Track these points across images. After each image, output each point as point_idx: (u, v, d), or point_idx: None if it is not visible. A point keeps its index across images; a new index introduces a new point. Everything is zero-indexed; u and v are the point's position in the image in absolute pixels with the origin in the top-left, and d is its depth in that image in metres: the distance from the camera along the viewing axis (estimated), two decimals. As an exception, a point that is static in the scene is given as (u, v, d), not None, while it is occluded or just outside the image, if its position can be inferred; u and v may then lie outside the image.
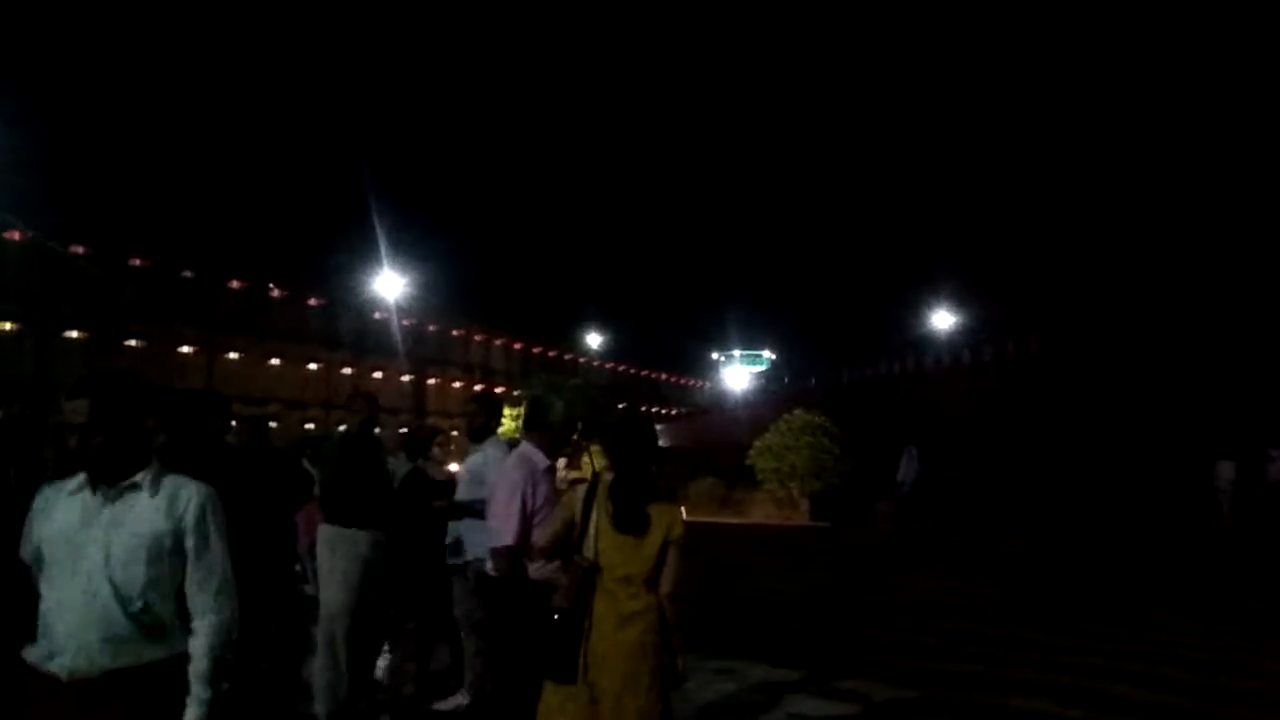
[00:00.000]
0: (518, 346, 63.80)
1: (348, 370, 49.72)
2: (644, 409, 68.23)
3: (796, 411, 23.50)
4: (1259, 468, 20.56)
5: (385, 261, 44.31)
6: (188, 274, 41.16)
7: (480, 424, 5.51)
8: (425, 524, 5.88)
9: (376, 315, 49.23)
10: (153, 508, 2.39)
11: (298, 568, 7.60)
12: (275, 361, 45.69)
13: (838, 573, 12.09)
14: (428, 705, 5.68)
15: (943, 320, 48.29)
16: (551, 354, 65.10)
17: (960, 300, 47.84)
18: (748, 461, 23.48)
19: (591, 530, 3.36)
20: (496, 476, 4.46)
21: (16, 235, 33.88)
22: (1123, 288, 38.14)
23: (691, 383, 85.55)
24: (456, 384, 54.78)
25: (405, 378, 52.07)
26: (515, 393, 52.83)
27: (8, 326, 33.20)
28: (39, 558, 2.40)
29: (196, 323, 40.91)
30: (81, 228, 35.63)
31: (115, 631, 2.31)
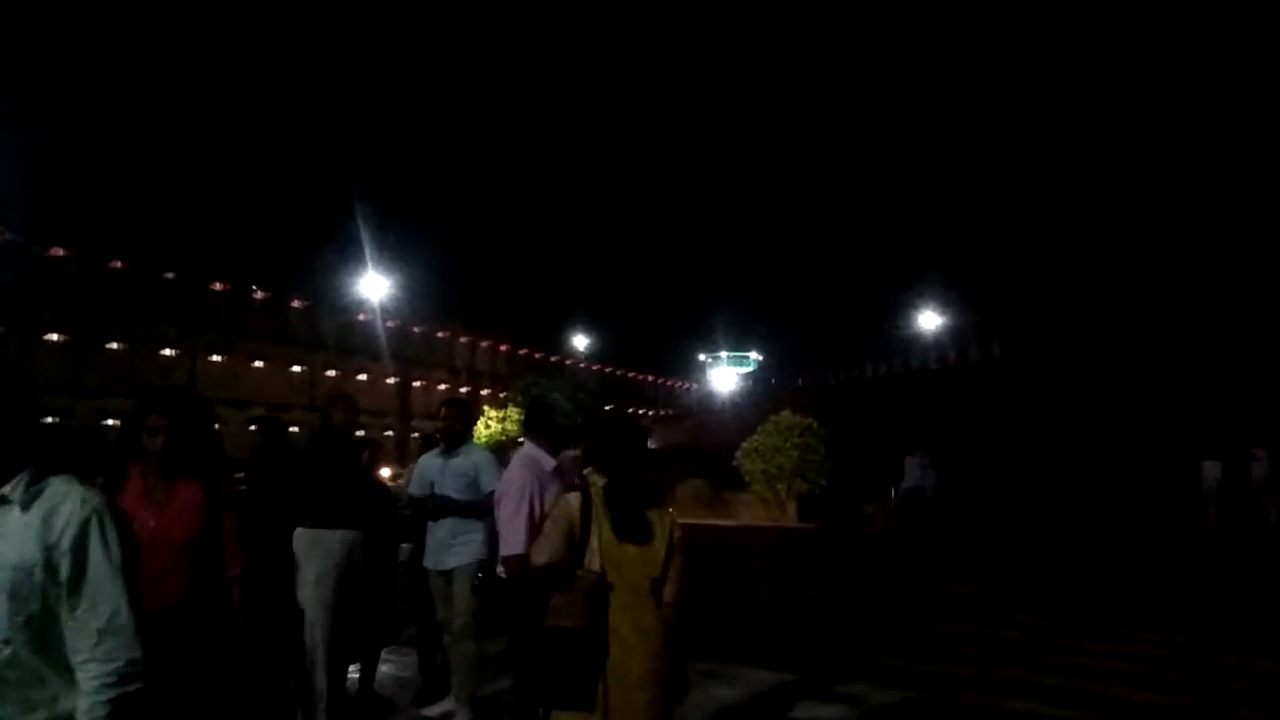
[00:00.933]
0: (504, 348, 63.59)
1: (331, 373, 49.41)
2: (631, 411, 68.17)
3: (784, 413, 23.52)
4: (1243, 467, 20.67)
5: (370, 262, 44.13)
6: (169, 276, 40.81)
7: (458, 429, 5.52)
8: (396, 528, 5.86)
9: (361, 317, 48.97)
10: (22, 527, 1.87)
11: None
12: (258, 364, 45.36)
13: (827, 574, 12.04)
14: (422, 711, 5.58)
15: (929, 321, 48.46)
16: (538, 356, 64.91)
17: (946, 301, 48.07)
18: (735, 463, 23.47)
19: (594, 543, 3.19)
20: (502, 481, 4.34)
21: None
22: (1109, 288, 38.38)
23: (678, 384, 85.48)
24: (442, 386, 54.50)
25: (390, 380, 51.82)
26: (501, 395, 52.80)
27: None
28: None
29: (178, 325, 40.58)
30: (62, 230, 35.32)
31: None
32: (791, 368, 61.52)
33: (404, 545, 6.07)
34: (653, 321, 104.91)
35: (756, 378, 71.15)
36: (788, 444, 22.13)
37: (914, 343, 46.51)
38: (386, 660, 6.18)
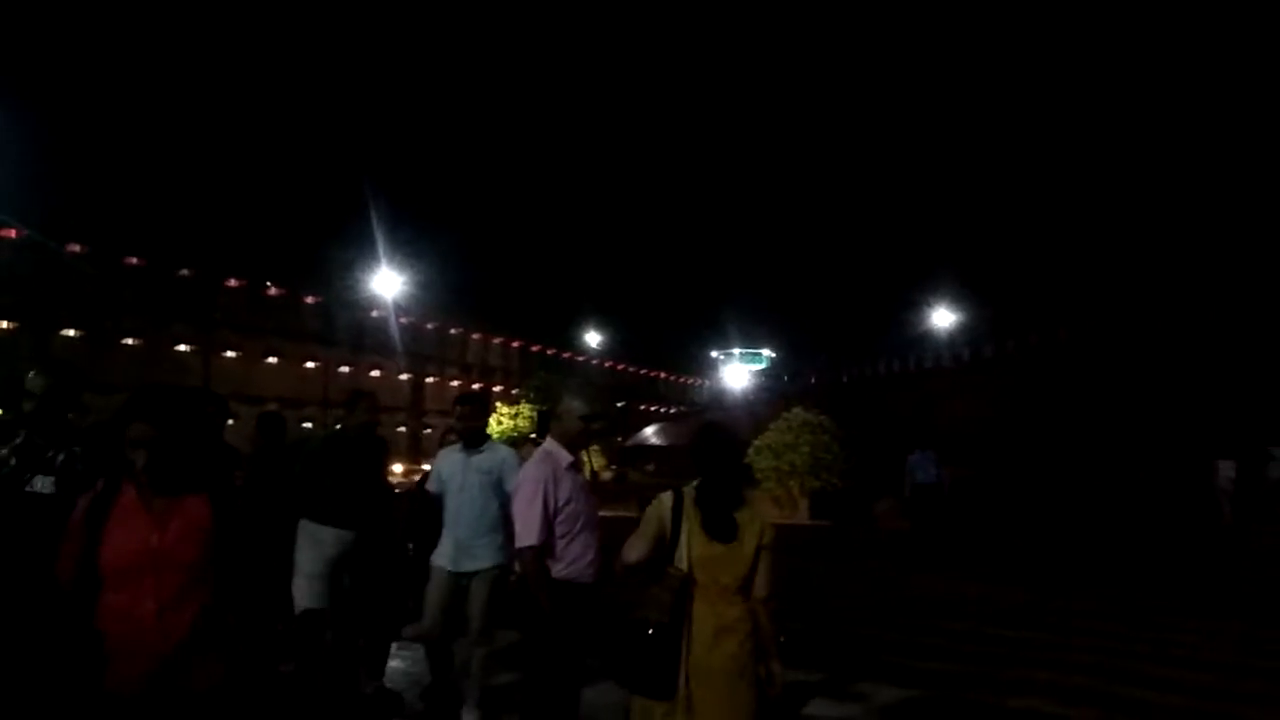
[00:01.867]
0: (516, 345, 63.72)
1: (345, 369, 49.66)
2: (642, 407, 68.23)
3: (796, 410, 23.44)
4: (1260, 466, 20.55)
5: (383, 259, 44.27)
6: (184, 273, 41.06)
7: (478, 425, 5.40)
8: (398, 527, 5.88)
9: (374, 313, 49.17)
10: None
11: None
12: (272, 360, 45.61)
13: (839, 572, 12.02)
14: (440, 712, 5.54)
15: (943, 319, 48.28)
16: (550, 352, 65.00)
17: (960, 299, 47.89)
18: (746, 460, 23.45)
19: (683, 540, 3.37)
20: (520, 475, 4.41)
21: (13, 233, 33.78)
22: (1123, 286, 38.16)
23: (691, 381, 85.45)
24: (454, 382, 54.69)
25: (403, 376, 52.01)
26: (514, 391, 52.88)
27: (4, 325, 33.07)
28: None
29: (193, 321, 40.83)
30: (78, 226, 35.56)
31: None
32: (805, 365, 61.43)
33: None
34: (665, 318, 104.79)
35: (769, 375, 71.10)
36: (800, 441, 22.04)
37: (927, 340, 46.39)
38: (397, 656, 6.20)
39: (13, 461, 3.69)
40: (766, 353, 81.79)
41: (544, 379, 40.86)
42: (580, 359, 68.08)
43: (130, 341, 38.04)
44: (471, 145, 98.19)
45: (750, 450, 23.66)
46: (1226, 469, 20.43)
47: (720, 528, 3.38)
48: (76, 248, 36.37)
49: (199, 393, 5.84)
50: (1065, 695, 5.94)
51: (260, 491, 5.52)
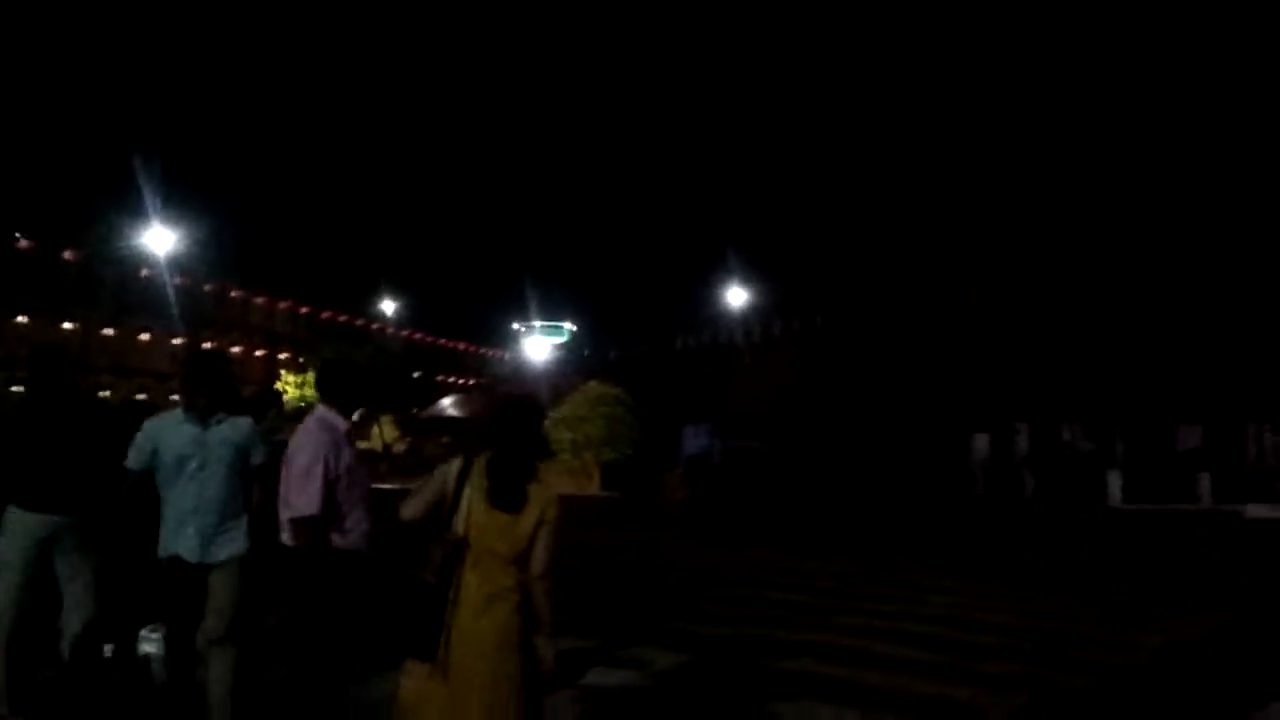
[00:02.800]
0: (305, 310, 60.58)
1: (109, 331, 45.54)
2: (440, 378, 66.77)
3: (592, 383, 23.62)
4: (1008, 441, 22.70)
5: (155, 215, 40.72)
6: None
7: (212, 393, 4.59)
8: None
9: (144, 272, 45.27)
10: None
11: None
12: (21, 319, 41.14)
13: (622, 542, 12.15)
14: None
15: (736, 297, 50.01)
16: (343, 319, 62.30)
17: (755, 279, 49.69)
18: (542, 432, 23.38)
19: (464, 505, 3.30)
20: (293, 443, 4.22)
21: None
22: (895, 272, 40.89)
23: (491, 353, 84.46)
24: (235, 349, 51.36)
25: (176, 341, 48.28)
26: (301, 359, 50.32)
27: None
28: None
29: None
30: None
31: None
32: (605, 339, 62.08)
33: None
34: (466, 288, 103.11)
35: (570, 348, 71.30)
36: (596, 413, 22.22)
37: (723, 318, 47.91)
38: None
39: None
40: (568, 326, 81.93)
41: (334, 347, 39.12)
42: (375, 327, 65.68)
43: None
44: (259, 95, 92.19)
45: (545, 422, 23.61)
46: (981, 442, 22.47)
47: (506, 497, 3.31)
48: None
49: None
50: (822, 654, 6.24)
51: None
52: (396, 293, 66.54)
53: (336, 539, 3.97)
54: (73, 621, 4.58)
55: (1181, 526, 14.06)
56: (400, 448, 37.22)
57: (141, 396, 39.77)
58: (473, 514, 3.31)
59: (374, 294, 64.86)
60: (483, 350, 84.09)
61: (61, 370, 4.79)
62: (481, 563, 3.29)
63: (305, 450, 4.01)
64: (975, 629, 7.03)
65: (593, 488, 20.99)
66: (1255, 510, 14.85)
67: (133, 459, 4.34)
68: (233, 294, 54.33)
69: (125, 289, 46.34)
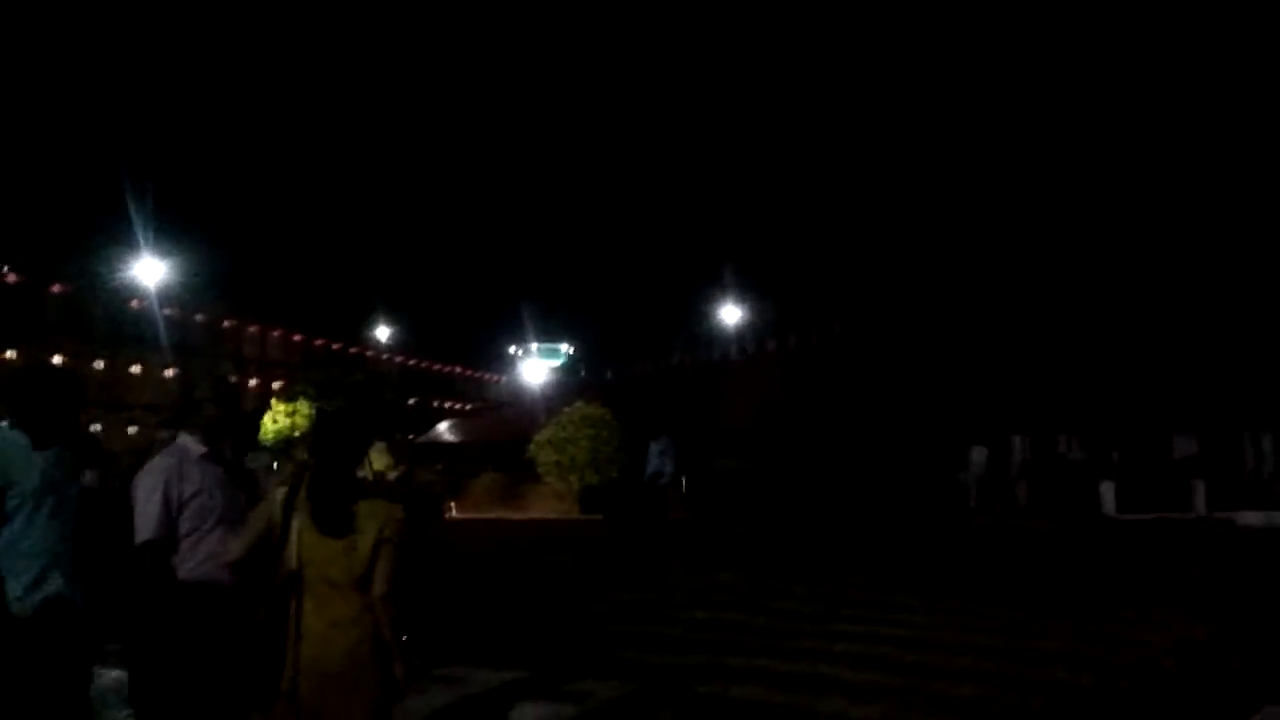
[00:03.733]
0: (298, 339, 60.38)
1: (99, 364, 45.33)
2: (436, 404, 66.49)
3: (577, 404, 23.38)
4: (1005, 453, 22.36)
5: (144, 246, 40.62)
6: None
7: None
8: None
9: (134, 303, 45.14)
10: None
11: None
12: (10, 354, 40.96)
13: (598, 566, 11.82)
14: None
15: (730, 315, 49.77)
16: (336, 347, 62.07)
17: (749, 296, 49.48)
18: (528, 455, 23.15)
19: (293, 535, 3.12)
20: (144, 468, 3.98)
21: None
22: (895, 284, 40.62)
23: (487, 377, 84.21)
24: (231, 378, 51.16)
25: (169, 372, 48.05)
26: (297, 388, 49.97)
27: None
28: None
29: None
30: None
31: None
32: (602, 361, 61.76)
33: None
34: (462, 313, 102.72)
35: (568, 370, 71.05)
36: (580, 435, 21.97)
37: (718, 336, 47.67)
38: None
39: None
40: (565, 348, 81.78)
41: (322, 374, 38.76)
42: (369, 353, 65.46)
43: None
44: (246, 123, 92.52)
45: (531, 445, 23.39)
46: (979, 455, 22.13)
47: (331, 521, 3.09)
48: None
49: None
50: (775, 681, 5.91)
51: None
52: (391, 318, 66.45)
53: (186, 568, 3.72)
54: None
55: (1173, 535, 13.70)
56: (393, 475, 36.98)
57: (133, 430, 39.56)
58: (304, 543, 3.10)
59: (368, 320, 64.77)
60: (480, 374, 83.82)
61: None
62: (319, 593, 3.09)
63: (148, 475, 3.82)
64: (944, 649, 6.69)
65: (577, 511, 20.72)
66: (1247, 518, 14.50)
67: None
68: (225, 323, 54.19)
69: (116, 321, 46.21)
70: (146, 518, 3.72)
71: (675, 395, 35.09)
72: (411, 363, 71.77)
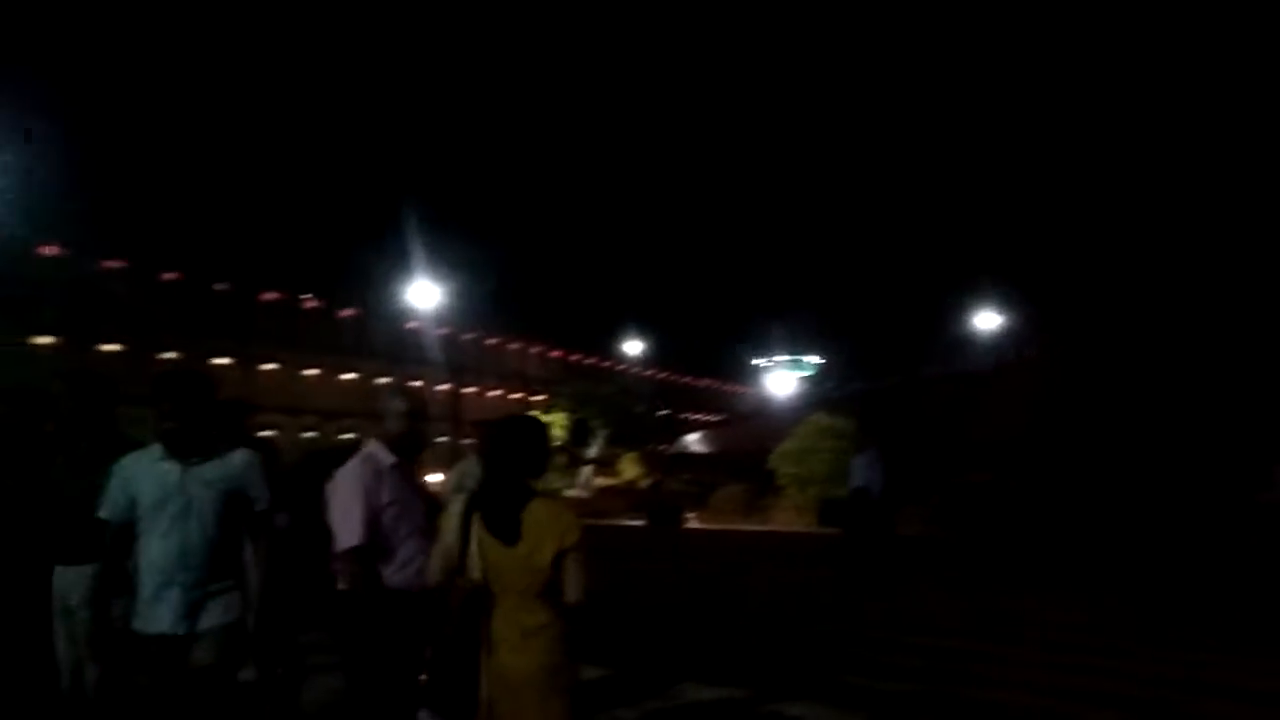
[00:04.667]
0: (555, 354, 63.68)
1: (383, 380, 50.01)
2: (686, 416, 67.72)
3: (817, 415, 22.91)
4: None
5: (420, 271, 44.48)
6: (221, 287, 41.69)
7: (194, 422, 3.94)
8: None
9: (411, 325, 49.45)
10: None
11: None
12: (311, 372, 46.11)
13: (833, 583, 11.40)
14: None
15: (986, 321, 46.99)
16: (590, 361, 64.88)
17: (1004, 300, 46.57)
18: (768, 467, 22.98)
19: (473, 545, 3.13)
20: (334, 479, 4.11)
21: (55, 249, 34.63)
22: (1174, 282, 36.66)
23: (734, 389, 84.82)
24: (493, 392, 54.79)
25: (441, 387, 52.24)
26: (552, 401, 52.62)
27: (46, 340, 33.76)
28: None
29: (231, 335, 41.40)
30: (115, 242, 36.25)
31: None
32: (850, 372, 60.27)
33: None
34: (710, 326, 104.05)
35: (815, 382, 70.14)
36: (822, 447, 21.46)
37: (971, 343, 45.21)
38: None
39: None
40: (812, 359, 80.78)
41: (577, 387, 40.64)
42: (621, 367, 67.83)
43: (168, 355, 38.67)
44: (508, 154, 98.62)
45: (771, 457, 23.17)
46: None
47: (504, 527, 3.09)
48: (115, 264, 37.10)
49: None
50: (1013, 718, 5.36)
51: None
52: (642, 332, 68.48)
53: (389, 574, 3.84)
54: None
55: None
56: (645, 484, 38.03)
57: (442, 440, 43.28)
58: (484, 552, 3.12)
59: (620, 335, 67.15)
60: (727, 386, 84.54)
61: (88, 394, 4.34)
62: (507, 603, 3.10)
63: (344, 484, 3.93)
64: (1232, 695, 5.83)
65: (810, 524, 20.25)
66: None
67: (108, 508, 3.73)
68: (489, 341, 58.12)
69: (397, 341, 50.86)
70: (350, 524, 3.78)
71: (924, 406, 33.55)
72: (663, 376, 73.61)
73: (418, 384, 51.52)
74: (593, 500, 32.48)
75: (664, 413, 61.07)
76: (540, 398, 55.20)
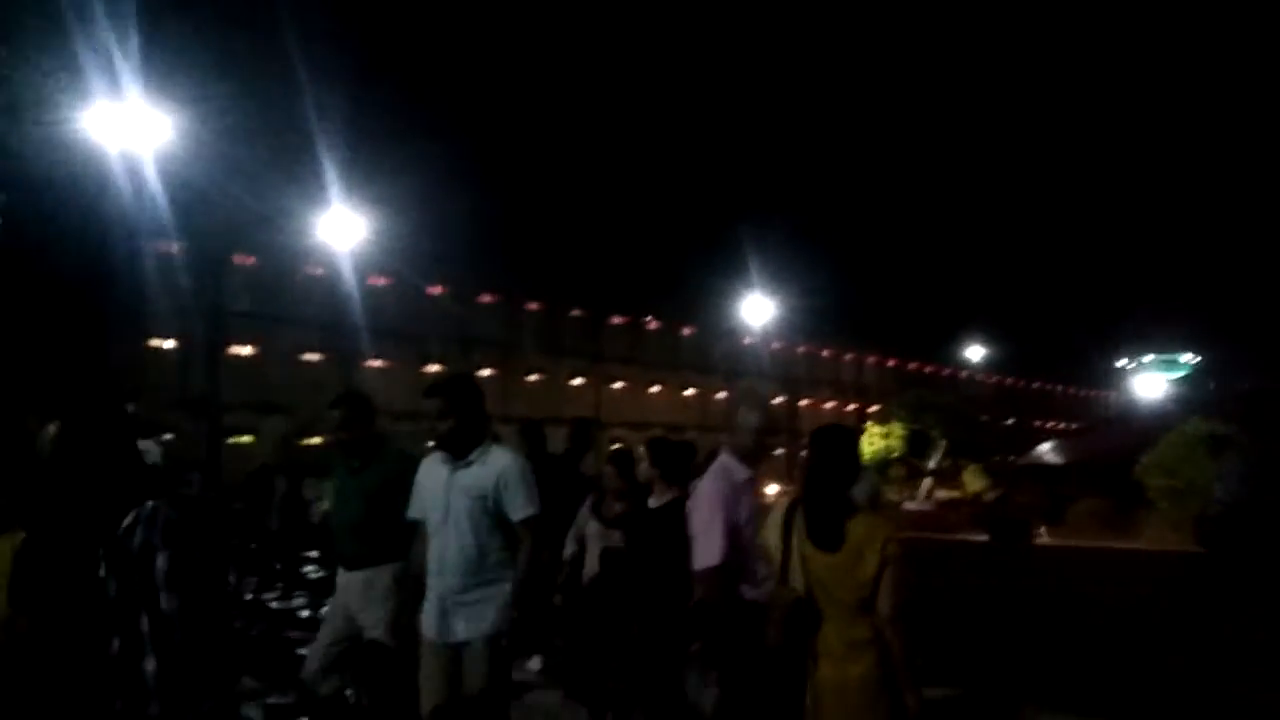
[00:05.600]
0: (891, 363, 62.16)
1: (721, 394, 51.68)
2: (1038, 424, 63.12)
3: (1194, 420, 20.52)
4: None
5: (753, 286, 45.69)
6: (576, 313, 45.48)
7: (456, 426, 4.24)
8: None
9: (746, 340, 50.73)
10: None
11: None
12: (655, 389, 48.78)
13: (1213, 611, 10.26)
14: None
15: None
16: (928, 370, 62.55)
17: None
18: (1135, 478, 20.96)
19: (795, 557, 3.23)
20: (694, 494, 4.32)
21: (438, 289, 39.67)
22: None
23: (1094, 394, 77.46)
24: (828, 404, 54.64)
25: (777, 400, 53.01)
26: (889, 411, 51.51)
27: (381, 363, 36.96)
28: None
29: (584, 356, 45.03)
30: (489, 277, 40.79)
31: None
32: (1236, 371, 52.80)
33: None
34: (1064, 326, 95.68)
35: (1192, 383, 62.17)
36: (1197, 456, 19.16)
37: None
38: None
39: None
40: (1188, 358, 71.65)
41: (913, 396, 39.43)
42: (964, 374, 64.69)
43: (533, 378, 42.88)
44: (840, 161, 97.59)
45: (1138, 468, 21.15)
46: None
47: (826, 535, 3.19)
48: (488, 298, 41.80)
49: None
50: None
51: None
52: (986, 337, 64.88)
53: (751, 591, 3.86)
54: None
55: None
56: (990, 496, 36.00)
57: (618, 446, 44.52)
58: (807, 561, 3.22)
59: (960, 341, 64.08)
60: (1084, 391, 77.44)
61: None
62: (833, 614, 3.17)
63: (705, 499, 4.01)
64: None
65: (1186, 543, 18.12)
66: None
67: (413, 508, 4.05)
68: (823, 353, 58.03)
69: (733, 356, 52.43)
70: (709, 542, 3.87)
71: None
72: (1009, 382, 69.16)
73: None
74: (933, 514, 31.37)
75: (1011, 421, 57.45)
76: (875, 408, 54.23)
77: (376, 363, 35.65)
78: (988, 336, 64.98)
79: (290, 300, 34.65)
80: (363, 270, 33.39)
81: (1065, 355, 71.86)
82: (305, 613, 7.40)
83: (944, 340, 63.23)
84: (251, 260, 33.60)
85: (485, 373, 40.74)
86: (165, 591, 3.23)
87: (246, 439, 30.09)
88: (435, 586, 3.80)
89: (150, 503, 3.34)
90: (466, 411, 3.94)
